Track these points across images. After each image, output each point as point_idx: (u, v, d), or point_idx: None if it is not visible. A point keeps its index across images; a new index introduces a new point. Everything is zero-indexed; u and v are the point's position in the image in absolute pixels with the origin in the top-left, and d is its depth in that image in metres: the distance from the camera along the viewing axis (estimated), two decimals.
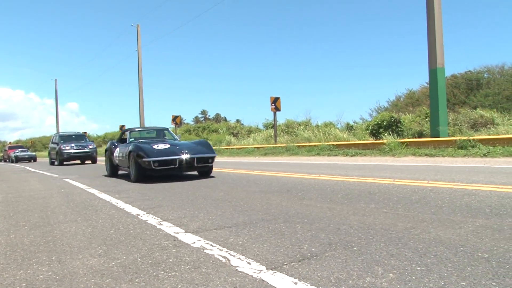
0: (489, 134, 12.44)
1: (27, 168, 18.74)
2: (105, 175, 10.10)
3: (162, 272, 2.22)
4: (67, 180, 9.34)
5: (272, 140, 22.23)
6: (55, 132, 55.85)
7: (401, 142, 12.89)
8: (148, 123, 36.59)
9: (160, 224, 3.51)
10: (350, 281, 1.91)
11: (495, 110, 16.79)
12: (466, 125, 14.87)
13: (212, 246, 2.69)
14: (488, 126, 14.37)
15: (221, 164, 12.83)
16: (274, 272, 2.09)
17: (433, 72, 12.92)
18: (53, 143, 22.06)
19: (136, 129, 10.25)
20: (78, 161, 21.15)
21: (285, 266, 2.19)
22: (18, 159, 32.59)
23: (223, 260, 2.36)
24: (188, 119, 76.27)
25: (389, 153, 12.25)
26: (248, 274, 2.09)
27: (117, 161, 9.27)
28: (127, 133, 9.83)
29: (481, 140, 10.83)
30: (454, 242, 2.48)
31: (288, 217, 3.51)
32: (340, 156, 13.48)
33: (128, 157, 8.07)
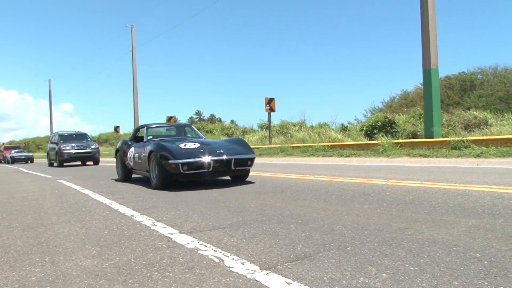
0: (482, 135, 12.51)
1: (21, 169, 18.62)
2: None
3: (156, 273, 2.21)
4: (61, 181, 9.30)
5: (266, 140, 22.23)
6: (49, 133, 55.60)
7: (395, 142, 12.94)
8: (142, 124, 36.62)
9: (154, 225, 3.50)
10: (344, 281, 1.92)
11: (488, 111, 16.90)
12: (460, 125, 14.96)
13: (206, 246, 2.69)
14: (481, 126, 14.46)
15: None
16: (268, 273, 2.09)
17: (427, 73, 12.98)
18: (52, 143, 20.64)
19: (154, 126, 8.52)
20: (79, 162, 19.93)
21: (279, 266, 2.19)
22: (14, 160, 31.20)
23: (217, 260, 2.36)
24: (183, 119, 76.00)
25: (383, 154, 12.29)
26: (242, 274, 2.09)
27: (131, 164, 7.79)
28: (144, 130, 8.25)
29: (474, 141, 10.89)
30: (447, 242, 2.49)
31: (282, 218, 3.51)
32: (334, 156, 13.51)
33: (147, 159, 6.61)
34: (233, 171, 6.29)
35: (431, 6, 12.82)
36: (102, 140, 53.90)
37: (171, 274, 2.17)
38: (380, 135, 15.72)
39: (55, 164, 19.35)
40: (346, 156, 13.15)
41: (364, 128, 18.00)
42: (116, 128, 34.81)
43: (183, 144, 6.46)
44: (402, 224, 3.04)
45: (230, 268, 2.20)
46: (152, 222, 3.63)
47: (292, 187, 5.64)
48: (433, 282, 1.85)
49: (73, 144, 18.86)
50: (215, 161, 5.98)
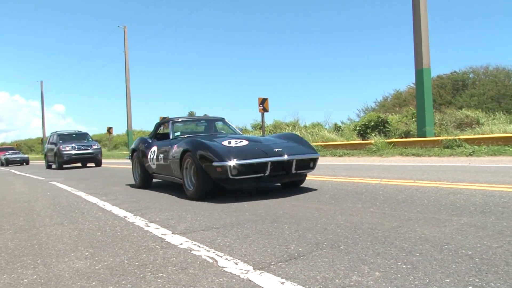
0: (474, 134, 12.61)
1: (13, 171, 18.48)
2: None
3: (149, 273, 2.21)
4: (53, 182, 9.24)
5: None
6: (42, 134, 55.26)
7: (388, 142, 13.01)
8: (135, 125, 36.35)
9: (148, 226, 3.49)
10: (337, 280, 1.92)
11: (480, 110, 17.05)
12: (452, 125, 15.07)
13: (200, 247, 2.69)
14: (473, 126, 14.58)
15: None
16: (261, 272, 2.09)
17: (419, 72, 13.06)
18: (50, 143, 18.93)
19: (180, 119, 6.91)
20: (79, 164, 18.56)
21: (272, 266, 2.19)
22: (9, 162, 29.51)
23: (211, 261, 2.36)
24: None
25: (376, 153, 12.34)
26: (235, 274, 2.09)
27: (153, 167, 6.36)
28: (169, 125, 6.65)
29: (466, 140, 10.97)
30: (439, 240, 2.51)
31: (276, 218, 3.52)
32: (327, 156, 13.55)
33: (179, 161, 5.21)
34: (293, 175, 4.96)
35: (423, 7, 12.90)
36: (95, 141, 53.64)
37: (164, 275, 2.16)
38: (373, 134, 15.80)
39: (53, 166, 18.07)
40: (339, 156, 13.19)
41: (357, 128, 18.08)
42: (109, 129, 34.65)
43: (226, 141, 5.07)
44: (394, 223, 3.05)
45: (224, 268, 2.20)
46: (146, 223, 3.62)
47: (286, 187, 5.64)
48: (425, 279, 1.86)
49: (73, 145, 17.38)
50: (273, 162, 4.65)
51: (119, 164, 18.89)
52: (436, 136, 12.79)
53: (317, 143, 16.12)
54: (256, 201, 4.48)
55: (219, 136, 5.97)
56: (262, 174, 4.63)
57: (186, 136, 6.25)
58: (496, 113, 16.37)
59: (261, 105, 20.25)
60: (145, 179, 6.86)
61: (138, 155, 7.01)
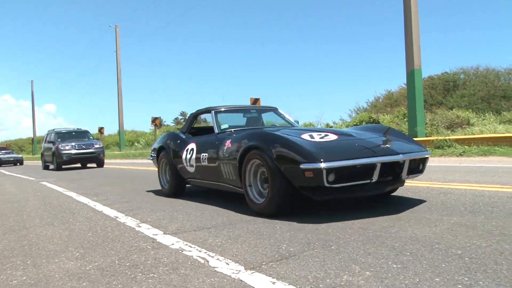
0: (465, 134, 12.71)
1: (2, 171, 18.31)
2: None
3: (140, 274, 2.20)
4: (44, 183, 9.17)
5: None
6: (32, 134, 54.73)
7: None
8: (127, 125, 36.17)
9: (139, 226, 3.48)
10: (328, 280, 1.93)
11: (470, 110, 17.18)
12: (443, 125, 15.15)
13: (191, 247, 2.68)
14: (464, 126, 14.68)
15: None
16: (252, 272, 2.10)
17: (411, 73, 13.13)
18: (47, 142, 17.48)
19: (223, 109, 5.27)
20: (79, 164, 17.30)
21: (263, 266, 2.20)
22: (1, 162, 27.85)
23: (202, 261, 2.36)
24: (168, 120, 75.63)
25: None
26: (226, 274, 2.09)
27: (190, 169, 4.93)
28: (212, 115, 5.09)
29: (457, 140, 11.06)
30: (430, 239, 2.53)
31: (267, 218, 3.52)
32: None
33: (238, 162, 3.88)
34: (401, 181, 3.75)
35: (414, 8, 12.98)
36: None
37: (155, 275, 2.16)
38: None
39: (52, 166, 16.76)
40: None
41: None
42: (101, 129, 34.44)
43: (307, 135, 3.67)
44: (385, 222, 3.07)
45: (215, 268, 2.20)
46: (137, 224, 3.60)
47: None
48: (415, 279, 1.87)
49: (73, 143, 16.01)
50: (384, 164, 3.36)
51: (118, 164, 18.76)
52: (427, 136, 12.87)
53: None
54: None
55: (292, 128, 4.52)
56: (369, 181, 3.33)
57: (233, 130, 4.75)
58: (486, 114, 16.50)
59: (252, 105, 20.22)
60: (177, 186, 5.36)
61: (167, 155, 5.50)
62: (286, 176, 3.35)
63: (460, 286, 1.75)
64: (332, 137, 3.69)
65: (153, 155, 6.11)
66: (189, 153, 4.96)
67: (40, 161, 20.12)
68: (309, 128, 4.47)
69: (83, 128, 18.66)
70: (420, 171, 3.81)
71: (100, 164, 16.58)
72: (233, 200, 4.63)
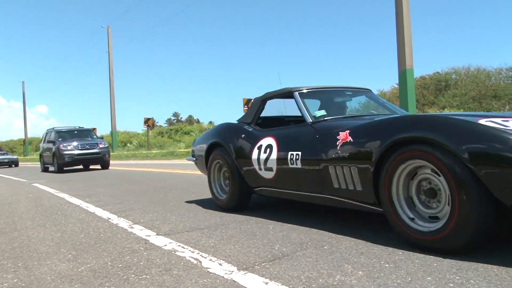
0: None
1: None
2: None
3: (133, 275, 2.19)
4: (35, 184, 9.10)
5: None
6: (24, 135, 54.29)
7: None
8: (119, 126, 35.95)
9: (132, 227, 3.46)
10: (320, 280, 1.94)
11: (462, 110, 17.31)
12: None
13: (184, 248, 2.68)
14: None
15: (194, 167, 12.76)
16: (245, 273, 2.10)
17: (403, 73, 13.20)
18: (47, 142, 15.89)
19: (305, 90, 3.77)
20: (80, 166, 15.68)
21: (256, 266, 2.20)
22: None
23: (195, 262, 2.36)
24: (161, 121, 75.42)
25: None
26: (219, 275, 2.09)
27: (266, 175, 3.60)
28: (296, 99, 3.69)
29: None
30: None
31: (260, 218, 3.52)
32: None
33: (376, 163, 2.54)
34: None
35: (405, 8, 13.05)
36: None
37: (148, 277, 2.15)
38: None
39: (52, 168, 15.35)
40: None
41: None
42: (93, 130, 34.18)
43: (489, 121, 2.19)
44: (377, 222, 3.08)
45: (208, 269, 2.20)
46: (129, 225, 3.59)
47: None
48: (407, 278, 1.88)
49: (75, 143, 14.52)
50: None
51: (112, 166, 18.65)
52: None
53: None
54: None
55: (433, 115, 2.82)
56: None
57: (330, 118, 3.37)
58: None
59: (246, 106, 20.26)
60: (240, 196, 3.95)
61: (226, 154, 4.05)
62: (490, 185, 2.03)
63: (451, 285, 1.77)
64: None
65: (197, 154, 4.72)
66: (264, 152, 3.59)
67: (35, 163, 19.27)
68: (471, 113, 2.70)
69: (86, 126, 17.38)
70: None
71: (105, 165, 15.12)
72: None
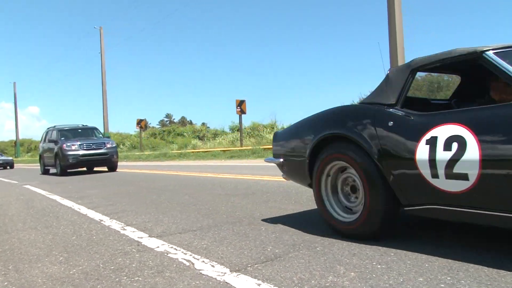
0: None
1: None
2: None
3: (125, 277, 2.18)
4: (27, 186, 9.04)
5: (238, 143, 22.24)
6: (15, 137, 53.87)
7: None
8: (112, 128, 35.81)
9: (124, 229, 3.45)
10: (313, 281, 1.94)
11: None
12: None
13: (176, 250, 2.67)
14: None
15: (187, 168, 12.75)
16: (237, 274, 2.10)
17: None
18: (48, 141, 14.20)
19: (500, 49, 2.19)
20: (84, 168, 14.18)
21: (249, 268, 2.20)
22: None
23: (187, 263, 2.35)
24: (153, 122, 75.14)
25: None
26: (212, 277, 2.09)
27: (452, 186, 2.11)
28: (493, 60, 2.14)
29: None
30: (414, 240, 2.55)
31: (253, 220, 3.52)
32: None
33: None
34: None
35: (397, 9, 13.13)
36: None
37: (140, 279, 2.14)
38: None
39: (53, 170, 13.89)
40: None
41: None
42: None
43: None
44: None
45: (200, 271, 2.19)
46: (122, 227, 3.58)
47: (263, 189, 5.66)
48: (399, 279, 1.89)
49: (80, 143, 12.87)
50: None
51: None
52: None
53: None
54: (233, 204, 4.48)
55: None
56: None
57: None
58: None
59: (238, 107, 20.28)
60: (386, 217, 2.52)
61: (356, 152, 2.63)
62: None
63: (443, 285, 1.78)
64: None
65: (289, 153, 3.38)
66: (446, 148, 2.16)
67: (27, 164, 18.67)
68: None
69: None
70: None
71: (113, 167, 13.53)
72: (219, 203, 4.63)
